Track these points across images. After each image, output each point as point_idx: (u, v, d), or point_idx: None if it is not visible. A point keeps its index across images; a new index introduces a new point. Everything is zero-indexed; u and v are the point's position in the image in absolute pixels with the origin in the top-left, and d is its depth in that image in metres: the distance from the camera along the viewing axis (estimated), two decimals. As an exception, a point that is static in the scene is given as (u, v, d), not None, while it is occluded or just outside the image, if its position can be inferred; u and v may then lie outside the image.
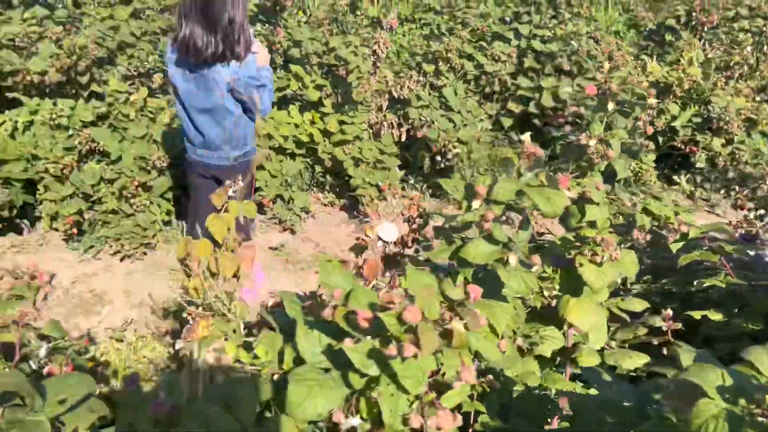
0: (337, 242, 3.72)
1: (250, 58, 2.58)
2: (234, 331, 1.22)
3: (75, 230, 3.30)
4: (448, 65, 4.30)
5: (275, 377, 1.00)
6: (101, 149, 3.40)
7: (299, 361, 0.99)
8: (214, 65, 2.53)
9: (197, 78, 2.57)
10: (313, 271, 3.46)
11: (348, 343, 0.88)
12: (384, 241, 1.38)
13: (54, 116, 3.30)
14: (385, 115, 4.11)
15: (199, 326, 1.58)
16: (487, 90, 4.47)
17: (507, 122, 4.44)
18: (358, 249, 1.71)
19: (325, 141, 3.89)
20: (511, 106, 4.37)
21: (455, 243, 1.25)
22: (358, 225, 3.91)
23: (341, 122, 3.88)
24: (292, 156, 3.98)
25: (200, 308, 1.68)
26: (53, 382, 0.92)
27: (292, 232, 3.75)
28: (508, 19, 4.78)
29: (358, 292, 0.91)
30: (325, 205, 4.06)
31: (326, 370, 0.95)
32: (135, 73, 3.89)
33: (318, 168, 4.03)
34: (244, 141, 2.74)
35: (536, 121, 4.34)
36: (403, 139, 4.01)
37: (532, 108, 4.27)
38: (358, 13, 7.29)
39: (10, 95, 3.51)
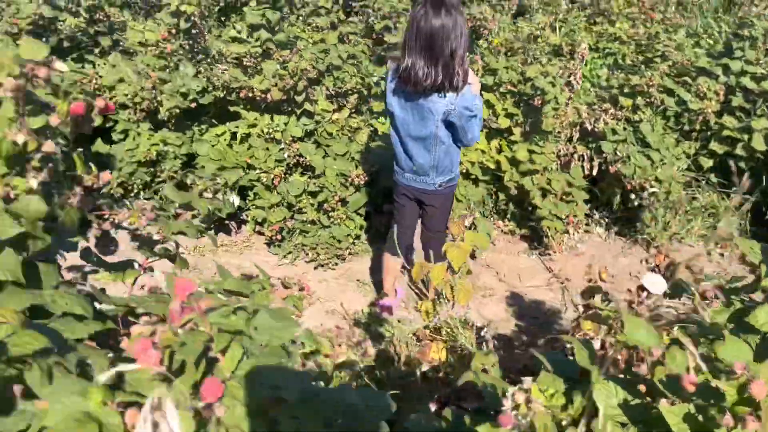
0: (516, 272, 3.70)
1: (465, 89, 2.65)
2: (492, 366, 1.25)
3: (279, 236, 3.58)
4: (646, 100, 4.13)
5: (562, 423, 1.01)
6: (306, 163, 3.66)
7: (590, 411, 1.00)
8: (431, 95, 2.63)
9: (413, 107, 2.69)
10: (494, 298, 3.46)
11: (664, 404, 0.87)
12: (649, 293, 1.35)
13: (270, 131, 3.61)
14: (575, 147, 4.03)
15: (431, 349, 1.64)
16: (686, 128, 4.22)
17: (706, 163, 4.16)
18: (590, 292, 1.68)
19: (512, 169, 3.89)
20: (714, 146, 4.09)
21: (734, 305, 1.20)
22: (539, 257, 3.85)
23: (530, 151, 3.86)
24: (476, 182, 4.03)
25: (428, 330, 1.74)
26: (359, 395, 1.00)
27: (473, 257, 3.78)
28: (715, 53, 4.48)
29: (675, 353, 0.90)
30: (505, 233, 4.05)
31: (623, 425, 0.95)
32: (333, 93, 4.15)
33: (501, 195, 4.04)
34: (450, 168, 2.82)
35: (742, 165, 4.02)
36: (594, 173, 3.90)
37: (739, 150, 3.96)
38: (540, 40, 7.22)
39: (231, 108, 3.89)
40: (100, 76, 3.49)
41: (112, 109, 1.04)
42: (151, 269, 1.72)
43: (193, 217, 1.81)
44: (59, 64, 0.98)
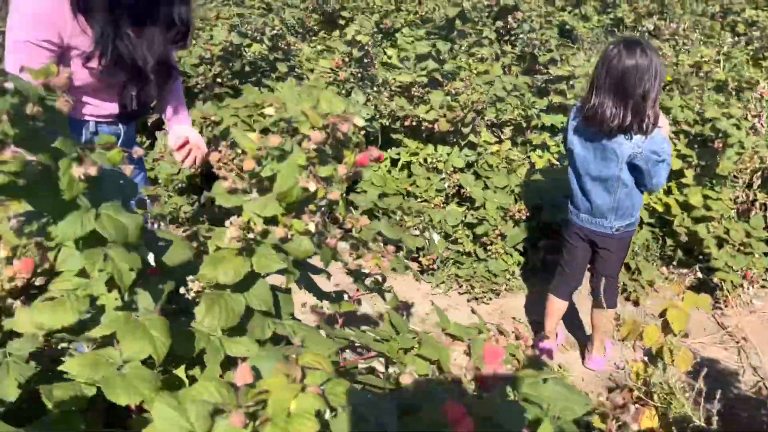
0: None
1: (655, 132, 2.53)
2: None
3: (434, 265, 3.59)
4: (842, 146, 3.74)
5: None
6: (465, 195, 3.65)
7: None
8: (616, 136, 2.53)
9: (596, 147, 2.60)
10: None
11: None
12: None
13: (433, 160, 3.65)
14: (755, 194, 3.73)
15: (643, 414, 1.55)
16: None
17: None
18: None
19: (683, 214, 3.66)
20: None
21: None
22: (711, 312, 3.58)
23: (705, 196, 3.61)
24: (640, 224, 3.83)
25: (634, 392, 1.65)
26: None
27: (635, 304, 3.58)
28: None
29: None
30: (670, 281, 3.81)
31: None
32: (489, 124, 4.13)
33: (669, 240, 3.81)
34: (630, 212, 2.69)
35: None
36: (779, 224, 3.58)
37: None
38: (701, 75, 6.79)
39: (393, 135, 3.98)
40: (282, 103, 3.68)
41: (382, 158, 1.07)
42: (359, 302, 1.77)
43: (397, 251, 1.84)
44: (358, 120, 1.03)
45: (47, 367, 1.27)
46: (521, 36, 4.39)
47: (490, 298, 3.57)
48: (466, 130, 3.59)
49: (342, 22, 6.37)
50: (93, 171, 0.93)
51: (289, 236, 1.13)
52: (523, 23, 4.55)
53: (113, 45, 1.67)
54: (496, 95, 3.94)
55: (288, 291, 1.42)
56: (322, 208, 1.17)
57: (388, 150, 3.99)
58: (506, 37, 5.12)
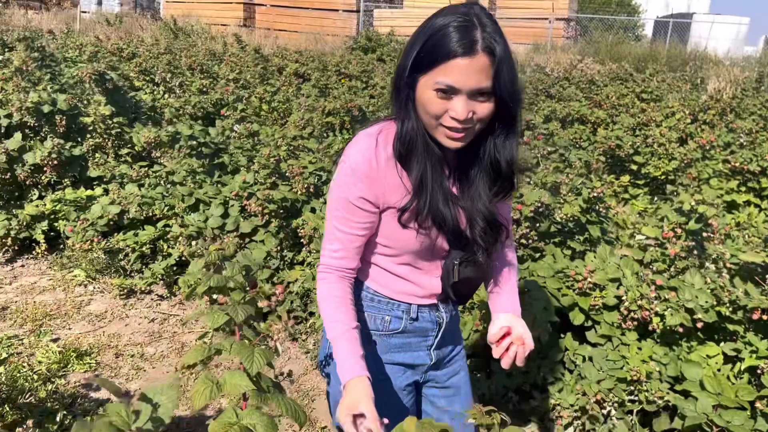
0: None
1: None
2: None
3: None
4: None
5: None
6: None
7: None
8: None
9: None
10: None
11: None
12: None
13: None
14: None
15: None
16: None
17: None
18: None
19: None
20: None
21: None
22: None
23: None
24: None
25: None
26: None
27: None
28: None
29: None
30: None
31: None
32: None
33: None
34: None
35: None
36: None
37: None
38: None
39: (729, 326, 3.19)
40: (592, 272, 3.18)
41: None
42: None
43: None
44: None
45: None
46: None
47: None
48: None
49: (634, 167, 5.83)
50: None
51: None
52: None
53: (431, 195, 1.33)
54: None
55: None
56: None
57: (722, 343, 3.21)
58: None
